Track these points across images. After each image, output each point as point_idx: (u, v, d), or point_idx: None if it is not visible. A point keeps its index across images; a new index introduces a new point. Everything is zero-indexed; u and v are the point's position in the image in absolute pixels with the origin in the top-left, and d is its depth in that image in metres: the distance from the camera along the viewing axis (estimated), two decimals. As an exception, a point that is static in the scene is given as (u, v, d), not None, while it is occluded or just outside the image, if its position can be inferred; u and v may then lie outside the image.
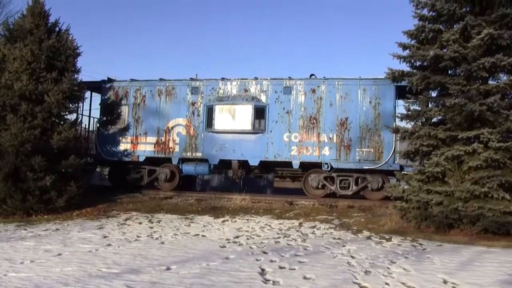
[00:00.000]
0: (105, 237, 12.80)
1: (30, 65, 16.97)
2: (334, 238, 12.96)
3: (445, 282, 8.60)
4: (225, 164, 20.51)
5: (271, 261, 10.06)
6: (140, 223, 15.23)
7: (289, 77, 19.79)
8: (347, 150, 18.63)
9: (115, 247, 11.42)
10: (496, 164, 12.80)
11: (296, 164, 19.25)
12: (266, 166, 20.30)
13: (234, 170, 20.39)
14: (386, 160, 18.12)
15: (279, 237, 12.93)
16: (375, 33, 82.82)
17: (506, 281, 8.69)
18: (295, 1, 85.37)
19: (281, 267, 9.54)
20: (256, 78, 20.14)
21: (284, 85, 19.68)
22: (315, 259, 10.32)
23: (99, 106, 21.96)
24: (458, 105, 13.22)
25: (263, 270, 9.28)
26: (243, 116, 19.62)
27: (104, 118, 21.58)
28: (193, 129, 20.40)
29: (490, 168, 12.79)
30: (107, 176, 23.80)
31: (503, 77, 13.80)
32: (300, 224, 15.07)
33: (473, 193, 12.74)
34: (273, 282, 8.53)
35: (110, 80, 21.82)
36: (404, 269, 9.51)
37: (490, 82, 13.94)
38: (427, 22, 14.61)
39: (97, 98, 22.47)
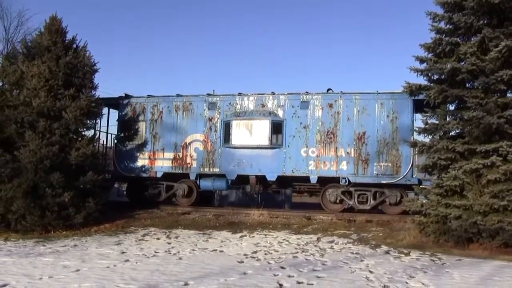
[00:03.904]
0: (123, 252, 12.80)
1: (48, 82, 17.14)
2: (352, 253, 12.88)
3: (464, 297, 8.51)
4: (242, 180, 20.47)
5: (289, 276, 10.00)
6: (158, 238, 15.24)
7: (306, 92, 19.79)
8: (364, 164, 18.53)
9: (133, 262, 11.41)
10: (516, 178, 12.67)
11: (314, 179, 19.17)
12: (284, 181, 20.24)
13: (252, 185, 20.39)
14: (404, 174, 17.99)
15: (297, 252, 12.88)
16: (392, 46, 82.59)
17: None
18: (312, 15, 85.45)
19: (299, 282, 9.47)
20: (273, 93, 20.17)
21: (301, 100, 19.66)
22: (333, 274, 10.25)
23: (116, 122, 22.08)
24: (476, 118, 13.13)
25: (281, 285, 9.23)
26: (260, 131, 19.59)
27: (122, 134, 21.69)
28: (211, 144, 20.41)
29: (509, 181, 12.67)
30: (125, 192, 23.88)
31: (522, 90, 13.70)
32: (318, 239, 14.99)
33: (492, 206, 12.60)
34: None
35: (127, 96, 21.91)
36: (423, 283, 9.43)
37: (508, 95, 13.82)
38: (444, 35, 14.56)
39: (114, 114, 22.61)
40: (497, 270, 10.77)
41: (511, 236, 12.45)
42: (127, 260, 11.67)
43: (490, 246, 12.82)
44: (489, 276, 10.10)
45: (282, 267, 10.90)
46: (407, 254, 12.63)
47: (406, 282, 9.51)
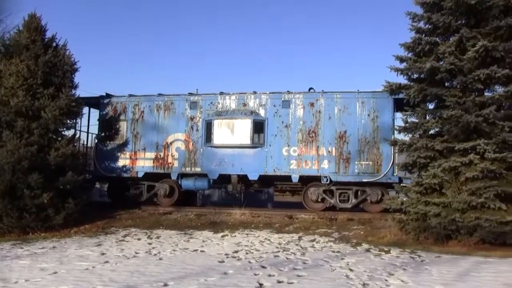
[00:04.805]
0: (103, 254, 12.70)
1: (26, 80, 16.93)
2: (333, 251, 12.91)
3: (443, 293, 8.58)
4: (224, 179, 20.46)
5: (270, 275, 9.99)
6: (138, 239, 15.16)
7: (288, 91, 19.82)
8: (346, 163, 18.61)
9: (112, 264, 11.31)
10: (492, 175, 12.81)
11: (295, 178, 19.21)
12: (266, 180, 20.25)
13: (234, 184, 20.40)
14: (385, 173, 18.10)
15: (278, 251, 12.87)
16: (373, 46, 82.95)
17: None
18: (293, 13, 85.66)
19: (279, 281, 9.48)
20: (254, 92, 20.17)
21: (282, 99, 19.69)
22: (313, 272, 10.27)
23: (97, 122, 21.93)
24: (455, 116, 13.26)
25: (261, 284, 9.22)
26: (242, 130, 19.59)
27: (103, 134, 21.53)
28: (192, 144, 20.35)
29: (487, 179, 12.81)
30: (106, 193, 23.75)
31: (498, 89, 13.85)
32: (300, 238, 15.02)
33: (470, 204, 12.73)
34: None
35: (108, 96, 21.75)
36: (402, 281, 9.48)
37: (485, 93, 13.99)
38: (423, 35, 14.69)
39: (95, 113, 22.43)
40: (475, 266, 10.86)
41: (488, 233, 12.58)
42: (107, 262, 11.58)
43: (468, 243, 12.96)
44: (467, 272, 10.20)
45: (263, 266, 10.89)
46: (388, 252, 12.69)
47: (386, 280, 9.56)
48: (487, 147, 12.82)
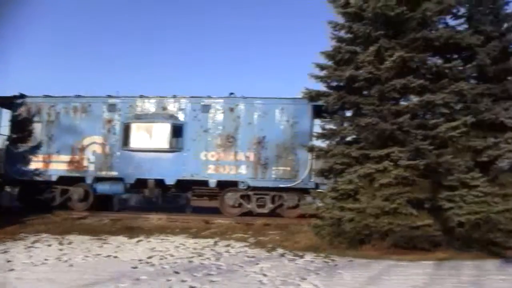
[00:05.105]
0: (8, 261, 12.03)
1: None
2: (248, 257, 12.87)
3: (353, 296, 8.71)
4: (142, 183, 20.05)
5: (183, 281, 9.89)
6: (49, 245, 14.46)
7: (208, 96, 19.77)
8: (264, 168, 18.72)
9: (19, 271, 10.79)
10: (405, 182, 13.18)
11: (213, 183, 19.15)
12: (184, 184, 20.02)
13: (151, 189, 20.04)
14: (302, 179, 18.33)
15: (193, 256, 12.72)
16: (295, 53, 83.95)
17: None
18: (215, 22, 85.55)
19: (191, 287, 9.44)
20: (174, 96, 20.00)
21: (202, 103, 19.61)
22: (227, 277, 10.24)
23: (9, 123, 20.99)
24: (371, 124, 13.55)
25: (173, 291, 9.07)
26: (160, 134, 19.36)
27: (15, 136, 20.61)
28: (109, 147, 19.89)
29: (400, 185, 13.16)
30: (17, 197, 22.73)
31: (413, 98, 14.24)
32: (215, 243, 14.88)
33: (383, 209, 13.01)
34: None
35: (22, 96, 20.85)
36: (315, 285, 9.61)
37: (401, 102, 14.35)
38: (344, 44, 14.90)
39: (8, 114, 21.40)
40: (386, 269, 11.13)
41: (400, 237, 12.88)
42: (12, 269, 11.03)
43: (381, 247, 13.19)
44: (378, 276, 10.44)
45: (176, 272, 10.75)
46: (302, 257, 12.76)
47: (298, 284, 9.65)
48: (401, 155, 13.15)
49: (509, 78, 14.58)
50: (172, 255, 12.92)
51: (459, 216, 12.95)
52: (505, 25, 14.93)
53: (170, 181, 19.47)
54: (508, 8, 14.97)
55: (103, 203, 21.21)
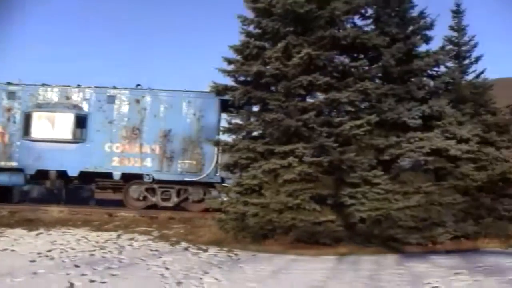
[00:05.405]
0: None
1: None
2: (151, 250, 12.64)
3: (250, 290, 8.75)
4: (43, 174, 19.24)
5: (82, 274, 9.50)
6: None
7: (114, 86, 19.30)
8: (169, 161, 18.52)
9: None
10: (309, 178, 13.34)
11: (117, 175, 18.75)
12: (87, 176, 19.41)
13: (52, 180, 19.27)
14: (208, 173, 18.27)
15: (95, 250, 12.32)
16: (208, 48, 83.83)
17: (309, 286, 9.17)
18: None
19: (91, 281, 9.08)
20: (79, 86, 19.35)
21: (108, 94, 19.11)
22: (128, 271, 9.97)
23: None
24: (277, 120, 13.63)
25: (72, 284, 8.75)
26: (63, 124, 18.69)
27: None
28: (9, 136, 18.96)
29: (303, 181, 13.31)
30: None
31: (319, 96, 14.48)
32: (119, 236, 14.54)
33: (287, 204, 13.12)
34: (81, 297, 8.06)
35: None
36: (216, 279, 9.52)
37: (307, 99, 14.55)
38: (252, 39, 14.89)
39: None
40: (287, 263, 11.25)
41: (302, 232, 13.05)
42: None
43: (284, 242, 13.31)
44: (279, 270, 10.51)
45: (76, 266, 10.33)
46: (206, 251, 12.70)
47: (200, 278, 9.52)
48: (305, 151, 13.32)
49: (412, 79, 15.08)
50: (73, 248, 12.45)
51: (360, 212, 13.33)
52: (410, 28, 15.44)
53: (72, 172, 18.87)
54: (413, 12, 15.52)
55: (2, 194, 20.07)
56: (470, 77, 17.51)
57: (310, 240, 13.12)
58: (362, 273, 10.45)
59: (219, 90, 15.24)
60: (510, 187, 14.84)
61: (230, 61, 15.01)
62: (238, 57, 15.06)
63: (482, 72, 17.38)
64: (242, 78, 15.15)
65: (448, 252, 12.96)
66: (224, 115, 18.23)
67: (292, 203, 13.10)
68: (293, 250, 12.79)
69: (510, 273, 10.07)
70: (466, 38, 17.62)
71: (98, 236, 14.46)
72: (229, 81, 15.30)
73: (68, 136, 18.70)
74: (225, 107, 17.74)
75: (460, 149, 14.23)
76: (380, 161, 14.14)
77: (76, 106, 19.00)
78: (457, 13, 17.63)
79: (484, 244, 13.75)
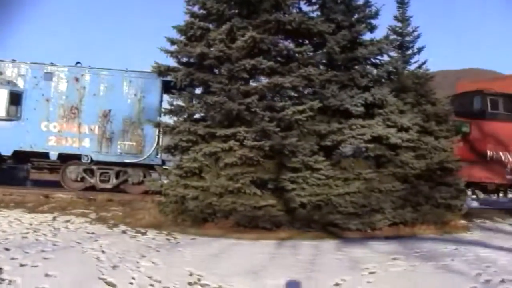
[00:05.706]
0: None
1: None
2: (88, 233, 12.36)
3: (191, 274, 8.70)
4: (-27, 154, 18.54)
5: (13, 258, 9.19)
6: None
7: (51, 63, 18.67)
8: (108, 142, 18.17)
9: None
10: (250, 162, 13.27)
11: (54, 155, 18.23)
12: (22, 156, 18.82)
13: (-17, 159, 18.59)
14: (148, 155, 18.04)
15: (28, 232, 11.90)
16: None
17: (246, 271, 9.13)
18: None
19: (22, 265, 8.80)
20: (13, 61, 18.64)
21: (45, 71, 18.47)
22: (62, 254, 9.71)
23: None
24: (219, 103, 13.49)
25: (0, 269, 8.44)
26: (-4, 100, 17.95)
27: None
28: None
29: (244, 165, 13.24)
30: None
31: (263, 80, 14.43)
32: (54, 218, 14.15)
33: (227, 188, 13.06)
34: (10, 281, 7.83)
35: None
36: (153, 262, 9.43)
37: (251, 83, 14.45)
38: (197, 20, 14.63)
39: None
40: (226, 247, 11.23)
41: (242, 216, 13.02)
42: None
43: (224, 226, 13.28)
44: (218, 253, 10.49)
45: (6, 249, 9.95)
46: (144, 234, 12.54)
47: (137, 262, 9.40)
48: (247, 135, 13.23)
49: (356, 67, 15.17)
50: (4, 231, 11.99)
51: (301, 197, 13.32)
52: (355, 16, 15.50)
53: (6, 151, 18.24)
54: (359, 0, 15.57)
55: None
56: (412, 67, 17.90)
57: (250, 224, 13.12)
58: (302, 257, 10.52)
59: (161, 71, 14.93)
60: (448, 175, 15.17)
61: (173, 42, 14.71)
62: (182, 38, 14.79)
63: (424, 63, 17.81)
64: (185, 59, 14.89)
65: (386, 238, 13.18)
66: (166, 97, 17.99)
67: (232, 187, 13.04)
68: (233, 234, 12.77)
69: (445, 258, 10.31)
70: (409, 29, 17.97)
71: (32, 218, 14.03)
72: (172, 62, 15.06)
73: (2, 113, 18.02)
74: (167, 88, 17.53)
75: (401, 137, 14.43)
76: (321, 147, 14.19)
77: (10, 82, 18.31)
78: (402, 3, 17.93)
79: (421, 230, 14.04)
